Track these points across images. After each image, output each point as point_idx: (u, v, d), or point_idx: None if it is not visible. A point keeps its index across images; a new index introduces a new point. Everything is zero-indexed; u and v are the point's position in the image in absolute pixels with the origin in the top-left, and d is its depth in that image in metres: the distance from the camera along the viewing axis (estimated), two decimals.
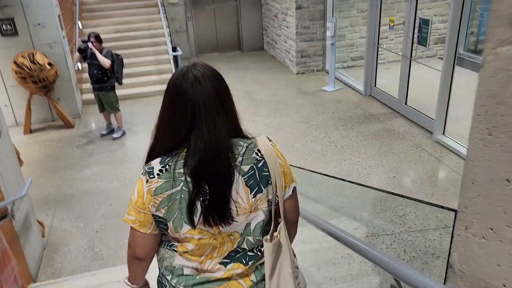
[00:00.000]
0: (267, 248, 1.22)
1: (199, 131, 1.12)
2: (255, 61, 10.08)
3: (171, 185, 1.13)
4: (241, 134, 1.25)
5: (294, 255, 1.36)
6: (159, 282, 1.31)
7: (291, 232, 1.34)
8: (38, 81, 6.10)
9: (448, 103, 5.48)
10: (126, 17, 9.22)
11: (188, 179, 1.12)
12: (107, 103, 6.11)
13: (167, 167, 1.14)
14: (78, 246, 4.01)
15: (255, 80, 8.68)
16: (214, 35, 10.79)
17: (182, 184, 1.13)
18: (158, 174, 1.14)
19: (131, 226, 1.18)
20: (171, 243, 1.23)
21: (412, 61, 6.23)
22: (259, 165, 1.18)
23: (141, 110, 7.08)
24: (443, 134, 5.63)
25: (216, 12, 10.62)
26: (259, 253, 1.26)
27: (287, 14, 8.75)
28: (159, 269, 1.30)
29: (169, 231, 1.17)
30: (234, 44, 10.98)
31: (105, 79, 5.90)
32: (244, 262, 1.23)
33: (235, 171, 1.16)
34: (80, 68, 7.32)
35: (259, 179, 1.18)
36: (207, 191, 1.13)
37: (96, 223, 4.39)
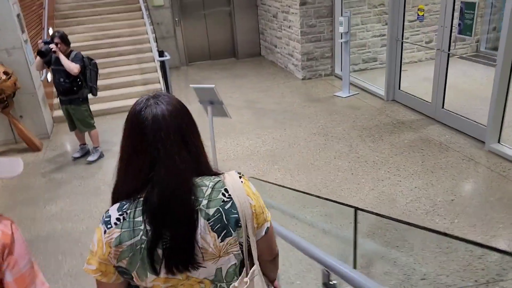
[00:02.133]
0: None
1: (158, 173, 1.04)
2: (253, 68, 8.98)
3: (130, 235, 1.04)
4: (207, 172, 1.13)
5: None
6: None
7: (272, 270, 1.28)
8: None
9: (505, 106, 4.41)
10: (105, 23, 8.07)
11: (148, 227, 1.03)
12: (78, 119, 4.92)
13: (124, 215, 1.05)
14: None
15: (255, 88, 7.56)
16: (205, 41, 9.68)
17: (141, 233, 1.04)
18: (115, 224, 1.05)
19: (93, 276, 1.09)
20: None
21: (446, 57, 5.16)
22: (226, 207, 1.08)
23: (121, 126, 5.87)
24: (498, 142, 4.54)
25: (207, 16, 9.54)
26: None
27: (289, 12, 7.70)
28: None
29: (134, 280, 1.09)
30: (228, 50, 9.89)
31: (75, 89, 4.72)
32: None
33: (200, 216, 1.07)
34: (47, 78, 6.13)
35: (227, 222, 1.08)
36: (169, 237, 1.04)
37: (59, 284, 3.16)
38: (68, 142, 5.75)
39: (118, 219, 1.06)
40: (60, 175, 4.87)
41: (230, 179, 1.12)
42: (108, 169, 4.92)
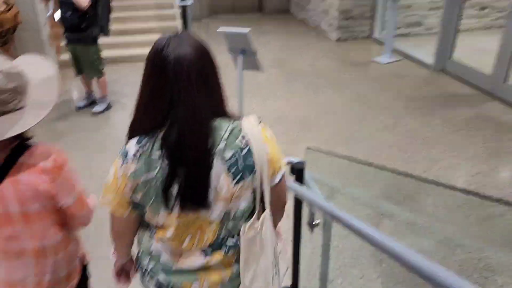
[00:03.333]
0: (243, 241, 1.15)
1: (177, 112, 1.02)
2: (281, 24, 8.15)
3: (147, 169, 1.05)
4: (226, 115, 1.12)
5: (277, 240, 1.27)
6: (137, 260, 1.27)
7: (277, 217, 1.26)
8: None
9: None
10: None
11: (165, 162, 1.04)
12: (86, 62, 4.27)
13: (142, 150, 1.06)
14: None
15: (283, 47, 6.80)
16: None
17: (158, 168, 1.05)
18: (133, 158, 1.06)
19: (108, 209, 1.12)
20: (149, 228, 1.17)
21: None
22: (243, 153, 1.08)
23: (135, 77, 5.16)
24: None
25: None
26: (237, 243, 1.17)
27: None
28: (137, 250, 1.25)
29: (146, 215, 1.12)
30: (253, 4, 9.04)
31: (83, 27, 4.04)
32: (224, 251, 1.16)
33: (216, 157, 1.07)
34: (54, 16, 5.43)
35: (243, 167, 1.08)
36: (184, 176, 1.05)
37: None
38: (74, 89, 5.12)
39: (135, 153, 1.06)
40: (61, 125, 4.28)
41: (249, 124, 1.11)
42: (115, 123, 4.32)
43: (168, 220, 1.10)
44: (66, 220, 1.38)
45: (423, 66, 5.73)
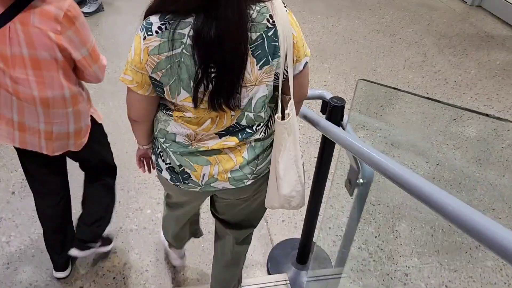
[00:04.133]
0: (278, 127, 1.11)
1: (221, 9, 0.92)
2: None
3: (170, 47, 0.98)
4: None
5: None
6: (153, 143, 1.25)
7: (296, 110, 1.20)
8: None
9: None
10: None
11: (189, 41, 0.96)
12: None
13: (167, 25, 0.97)
14: None
15: None
16: None
17: (182, 46, 0.97)
18: (156, 32, 0.98)
19: (128, 87, 1.07)
20: (167, 107, 1.13)
21: None
22: (269, 34, 1.02)
23: None
24: None
25: None
26: (255, 131, 1.14)
27: None
28: (154, 130, 1.21)
29: (165, 95, 1.06)
30: None
31: None
32: (239, 137, 1.13)
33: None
34: None
35: (268, 49, 1.02)
36: (217, 74, 0.99)
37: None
38: None
39: (160, 28, 0.98)
40: None
41: (276, 6, 1.03)
42: (105, 29, 3.75)
43: (188, 102, 1.05)
44: (78, 75, 1.43)
45: (459, 0, 5.08)
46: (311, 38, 3.97)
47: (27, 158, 1.58)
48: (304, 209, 2.26)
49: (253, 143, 1.16)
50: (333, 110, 1.39)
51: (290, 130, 1.13)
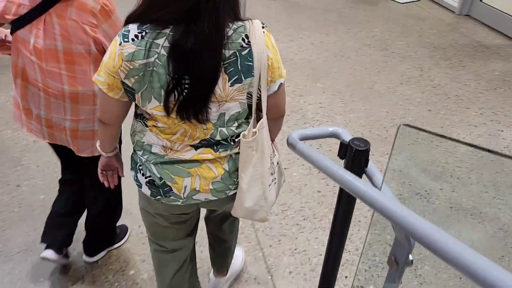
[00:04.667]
0: (243, 144, 1.13)
1: (201, 19, 0.95)
2: None
3: (145, 55, 0.99)
4: (236, 18, 1.04)
5: (274, 151, 1.28)
6: (132, 158, 1.23)
7: (274, 129, 1.26)
8: None
9: None
10: None
11: (163, 51, 0.98)
12: None
13: (144, 34, 0.99)
14: None
15: None
16: None
17: (156, 56, 0.99)
18: (132, 40, 1.00)
19: (99, 88, 1.07)
20: (143, 116, 1.14)
21: None
22: (243, 53, 1.03)
23: None
24: None
25: None
26: (232, 143, 1.15)
27: None
28: (132, 144, 1.22)
29: (136, 102, 1.08)
30: None
31: None
32: (214, 149, 1.14)
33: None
34: None
35: (240, 67, 1.03)
36: (189, 84, 1.01)
37: None
38: None
39: (136, 36, 1.00)
40: None
41: (253, 26, 1.05)
42: None
43: (158, 111, 1.06)
44: None
45: (445, 9, 4.94)
46: (301, 56, 3.74)
47: (57, 148, 1.61)
48: (312, 255, 2.00)
49: (233, 156, 1.17)
50: (356, 156, 1.11)
51: (257, 147, 1.15)
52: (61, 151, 1.61)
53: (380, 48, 3.97)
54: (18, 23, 1.28)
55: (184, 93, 1.00)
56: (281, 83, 1.12)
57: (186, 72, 0.99)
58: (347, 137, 1.20)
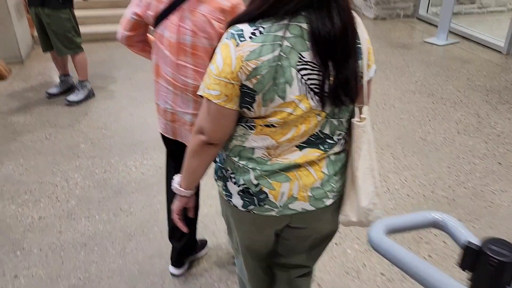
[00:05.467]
0: (357, 129, 1.07)
1: (331, 10, 0.93)
2: None
3: (269, 50, 0.93)
4: None
5: None
6: (220, 167, 1.13)
7: None
8: None
9: None
10: None
11: (286, 43, 0.93)
12: (55, 33, 3.12)
13: (261, 29, 0.94)
14: None
15: None
16: None
17: (279, 49, 0.93)
18: (250, 37, 0.94)
19: (212, 103, 0.98)
20: (247, 119, 1.04)
21: None
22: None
23: (127, 58, 4.05)
24: None
25: None
26: (336, 141, 1.09)
27: None
28: (222, 153, 1.12)
29: (254, 105, 0.99)
30: None
31: None
32: (322, 148, 1.07)
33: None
34: None
35: None
36: (336, 71, 0.96)
37: None
38: (51, 71, 3.99)
39: (253, 33, 0.94)
40: (23, 119, 3.16)
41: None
42: (96, 118, 3.18)
43: (281, 108, 0.98)
44: None
45: (490, 49, 4.56)
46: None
47: (171, 145, 1.60)
48: None
49: (332, 157, 1.10)
50: (497, 271, 0.67)
51: (367, 137, 1.09)
52: (176, 156, 1.57)
53: (427, 94, 3.56)
54: (157, 20, 1.35)
55: (334, 80, 0.96)
56: (375, 70, 1.09)
57: (330, 57, 0.95)
58: (458, 229, 0.77)
